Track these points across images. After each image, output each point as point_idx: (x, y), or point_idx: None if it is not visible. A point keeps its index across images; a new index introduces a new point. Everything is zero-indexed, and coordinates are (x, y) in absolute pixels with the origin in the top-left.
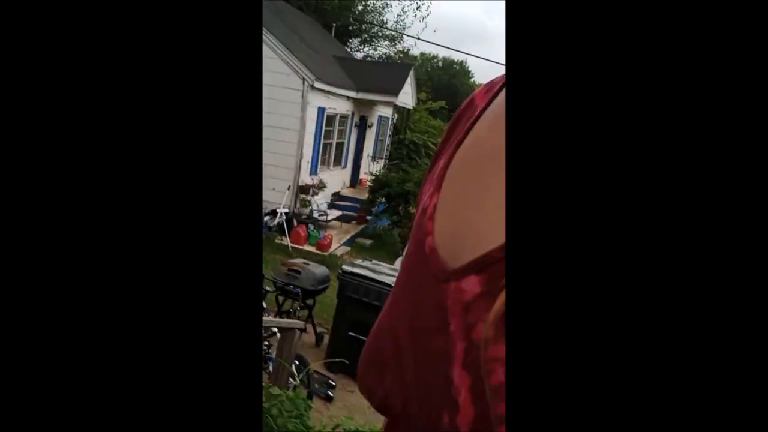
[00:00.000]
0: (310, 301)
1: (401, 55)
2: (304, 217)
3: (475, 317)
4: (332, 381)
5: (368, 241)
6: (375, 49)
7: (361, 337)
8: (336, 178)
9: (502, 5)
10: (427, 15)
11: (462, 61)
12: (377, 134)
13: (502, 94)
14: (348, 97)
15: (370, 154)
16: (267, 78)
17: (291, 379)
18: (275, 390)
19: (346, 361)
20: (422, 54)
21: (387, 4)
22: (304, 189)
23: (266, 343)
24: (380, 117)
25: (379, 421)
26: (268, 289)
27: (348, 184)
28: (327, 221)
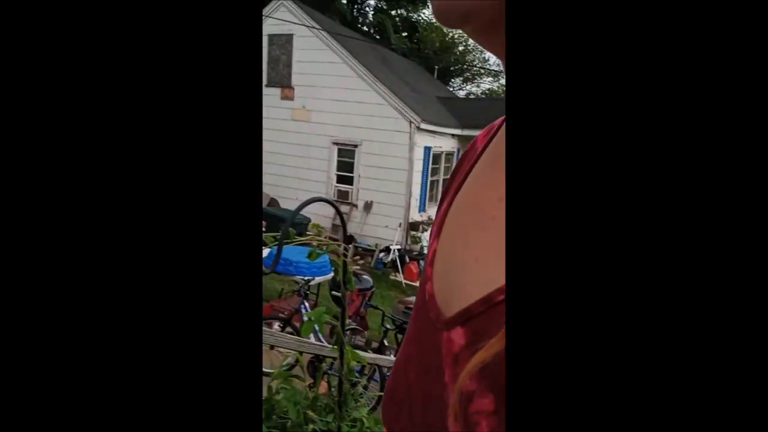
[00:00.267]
0: None
1: (504, 89)
2: (414, 253)
3: (461, 369)
4: None
5: None
6: (478, 86)
7: None
8: None
9: None
10: None
11: None
12: None
13: (498, 135)
14: (452, 135)
15: None
16: (376, 122)
17: None
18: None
19: None
20: None
21: None
22: (414, 226)
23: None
24: None
25: None
26: (388, 326)
27: None
28: None
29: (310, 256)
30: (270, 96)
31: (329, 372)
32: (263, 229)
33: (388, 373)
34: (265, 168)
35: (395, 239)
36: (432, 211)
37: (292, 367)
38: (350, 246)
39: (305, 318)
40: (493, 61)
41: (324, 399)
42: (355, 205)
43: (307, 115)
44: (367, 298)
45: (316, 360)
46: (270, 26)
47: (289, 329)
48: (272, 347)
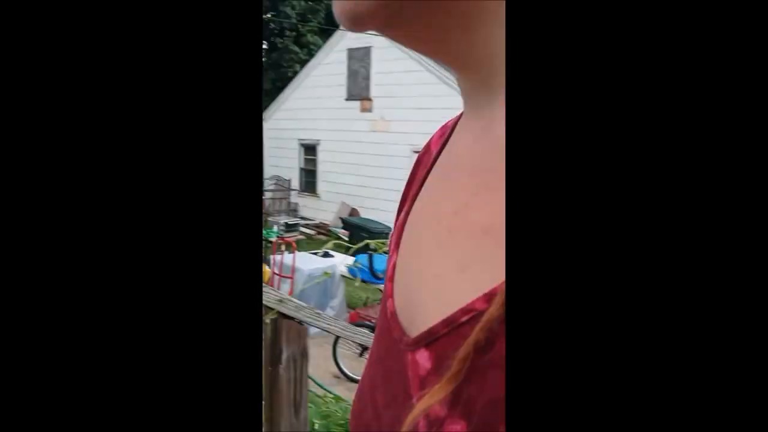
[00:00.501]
0: None
1: None
2: None
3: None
4: None
5: None
6: None
7: None
8: None
9: None
10: None
11: None
12: None
13: (451, 140)
14: None
15: None
16: None
17: None
18: None
19: None
20: None
21: None
22: None
23: None
24: None
25: None
26: None
27: None
28: None
29: None
30: (349, 110)
31: None
32: (346, 239)
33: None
34: (346, 179)
35: None
36: None
37: None
38: None
39: None
40: None
41: None
42: None
43: (387, 126)
44: None
45: None
46: (349, 40)
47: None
48: (362, 352)
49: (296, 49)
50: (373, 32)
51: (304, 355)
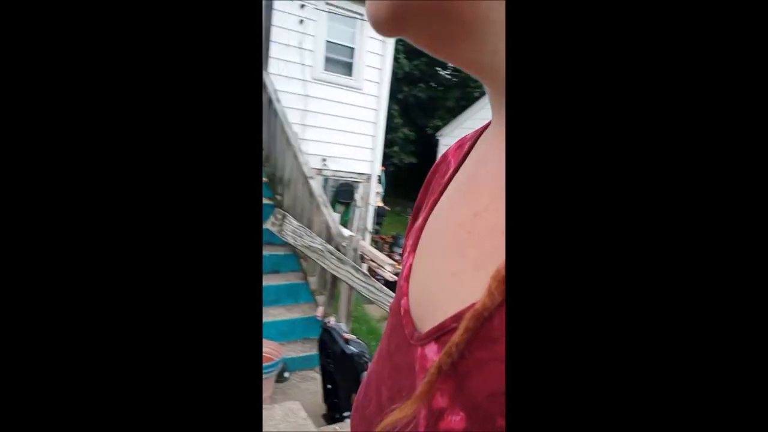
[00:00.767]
0: None
1: None
2: None
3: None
4: None
5: None
6: None
7: None
8: None
9: None
10: None
11: None
12: None
13: (474, 150)
14: None
15: None
16: None
17: None
18: None
19: None
20: None
21: None
22: None
23: None
24: None
25: None
26: None
27: None
28: None
29: None
30: None
31: None
32: None
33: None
34: None
35: None
36: None
37: None
38: None
39: None
40: None
41: None
42: None
43: None
44: None
45: None
46: None
47: None
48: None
49: None
50: (400, 36)
51: None
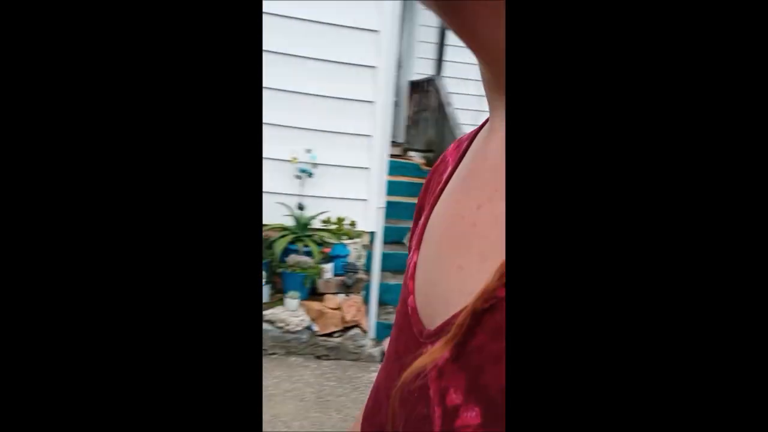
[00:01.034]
0: None
1: None
2: None
3: (446, 382)
4: None
5: None
6: None
7: None
8: None
9: None
10: None
11: None
12: None
13: (471, 149)
14: None
15: None
16: None
17: None
18: None
19: None
20: None
21: None
22: None
23: None
24: None
25: None
26: None
27: None
28: None
29: None
30: None
31: None
32: None
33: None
34: None
35: None
36: None
37: None
38: None
39: None
40: None
41: None
42: None
43: None
44: None
45: None
46: None
47: None
48: None
49: None
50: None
51: None
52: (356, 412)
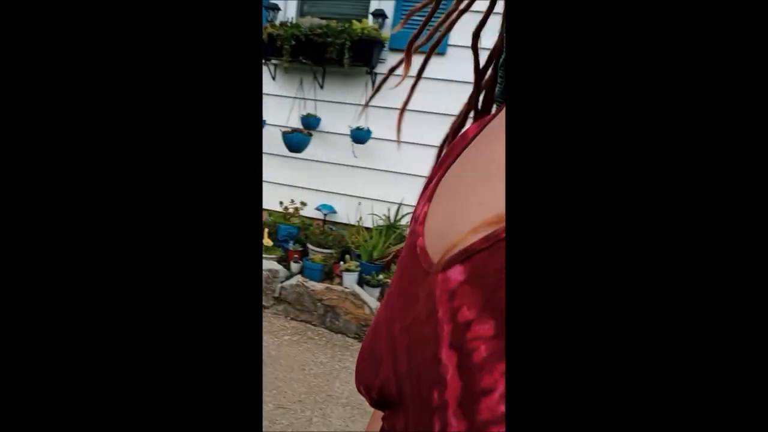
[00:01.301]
0: None
1: None
2: None
3: (459, 302)
4: None
5: None
6: None
7: None
8: None
9: None
10: None
11: None
12: None
13: (491, 124)
14: None
15: None
16: None
17: None
18: None
19: None
20: None
21: None
22: None
23: None
24: None
25: None
26: None
27: None
28: None
29: None
30: None
31: None
32: None
33: None
34: None
35: None
36: None
37: None
38: None
39: None
40: None
41: None
42: None
43: None
44: None
45: None
46: None
47: None
48: None
49: None
50: None
51: None
52: None
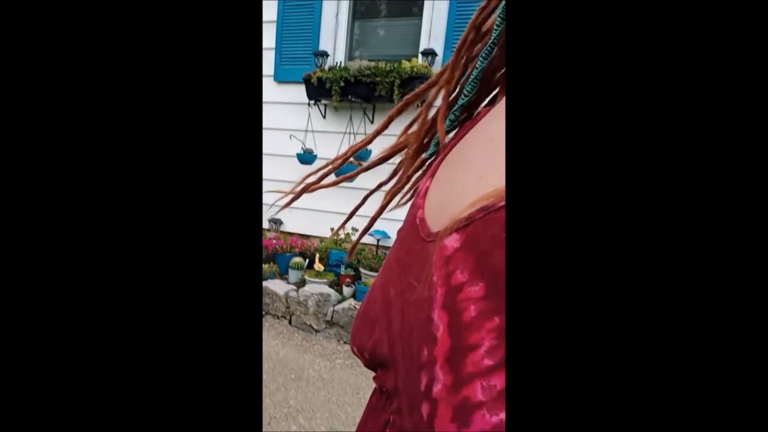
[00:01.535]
0: None
1: None
2: None
3: (453, 266)
4: None
5: None
6: None
7: None
8: None
9: None
10: None
11: None
12: None
13: (499, 103)
14: None
15: None
16: None
17: None
18: None
19: None
20: None
21: None
22: None
23: None
24: None
25: None
26: None
27: None
28: None
29: None
30: None
31: None
32: None
33: None
34: None
35: None
36: None
37: None
38: None
39: None
40: None
41: None
42: None
43: None
44: None
45: None
46: None
47: None
48: None
49: None
50: None
51: None
52: None
